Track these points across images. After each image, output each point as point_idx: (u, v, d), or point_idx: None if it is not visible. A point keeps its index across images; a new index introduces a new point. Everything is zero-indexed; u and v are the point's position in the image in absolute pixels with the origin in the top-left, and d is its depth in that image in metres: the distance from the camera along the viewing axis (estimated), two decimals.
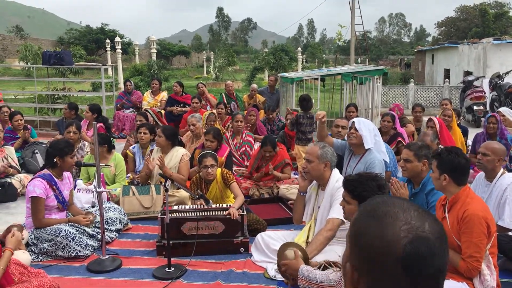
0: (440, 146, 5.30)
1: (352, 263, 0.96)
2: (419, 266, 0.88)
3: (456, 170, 3.02)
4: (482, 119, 10.10)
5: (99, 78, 12.70)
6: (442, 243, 0.92)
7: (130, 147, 6.02)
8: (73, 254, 3.87)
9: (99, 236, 4.03)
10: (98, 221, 4.09)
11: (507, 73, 12.72)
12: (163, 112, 9.46)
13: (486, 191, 3.89)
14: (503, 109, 6.96)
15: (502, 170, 3.88)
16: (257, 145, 6.58)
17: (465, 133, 7.01)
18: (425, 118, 6.87)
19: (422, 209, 0.96)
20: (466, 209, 2.91)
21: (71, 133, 5.87)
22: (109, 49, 27.42)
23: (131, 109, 10.03)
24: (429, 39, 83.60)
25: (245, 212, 4.12)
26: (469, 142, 6.95)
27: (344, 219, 3.17)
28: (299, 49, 30.30)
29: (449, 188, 3.04)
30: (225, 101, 9.50)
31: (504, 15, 52.12)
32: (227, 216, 3.99)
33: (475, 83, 12.63)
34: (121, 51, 20.16)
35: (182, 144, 5.69)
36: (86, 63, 18.27)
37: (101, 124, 7.38)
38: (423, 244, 0.89)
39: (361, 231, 0.95)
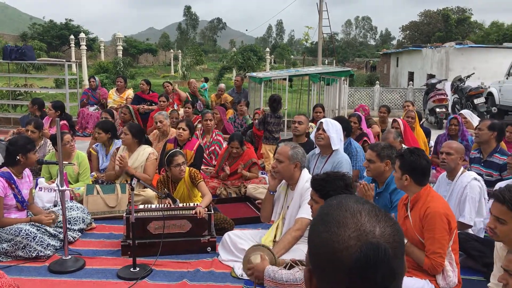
0: (403, 146, 5.42)
1: (307, 266, 0.97)
2: (368, 273, 0.85)
3: (417, 170, 3.10)
4: (444, 121, 10.41)
5: (62, 75, 12.39)
6: (395, 246, 0.88)
7: (93, 145, 5.90)
8: (34, 255, 3.75)
9: (61, 236, 3.92)
10: (60, 221, 3.97)
11: (468, 76, 13.14)
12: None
13: (448, 190, 4.01)
14: (465, 112, 7.19)
15: (462, 169, 4.01)
16: (226, 144, 6.57)
17: (427, 134, 7.19)
18: (390, 120, 7.02)
19: (376, 212, 0.92)
20: (428, 206, 2.99)
21: (29, 131, 5.67)
22: (74, 45, 26.76)
23: (96, 107, 9.82)
24: (394, 42, 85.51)
25: (212, 211, 4.09)
26: (432, 143, 7.14)
27: (312, 219, 3.19)
28: (268, 49, 30.43)
29: (410, 188, 3.12)
30: (190, 100, 9.45)
31: (466, 20, 53.96)
32: (194, 215, 3.96)
33: (438, 86, 12.99)
34: (85, 48, 19.71)
35: (149, 143, 5.61)
36: (49, 59, 17.76)
37: (65, 122, 7.19)
38: (373, 252, 0.85)
39: (312, 238, 0.93)
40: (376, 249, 0.86)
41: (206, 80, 13.89)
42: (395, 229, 0.91)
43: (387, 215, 0.93)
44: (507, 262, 2.05)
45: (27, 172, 4.10)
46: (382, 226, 0.89)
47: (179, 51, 38.22)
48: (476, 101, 11.67)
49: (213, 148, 6.64)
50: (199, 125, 7.53)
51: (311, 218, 3.19)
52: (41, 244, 3.79)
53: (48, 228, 3.93)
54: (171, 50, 42.38)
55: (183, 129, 5.47)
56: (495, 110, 12.11)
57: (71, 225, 4.20)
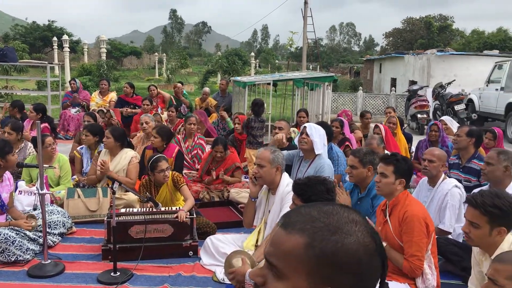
0: (385, 151, 5.49)
1: (328, 285, 0.86)
2: (384, 254, 0.93)
3: (410, 176, 3.19)
4: (426, 126, 10.55)
5: (44, 77, 12.24)
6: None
7: (78, 148, 5.83)
8: (13, 259, 3.69)
9: (40, 240, 3.87)
10: (40, 225, 3.92)
11: (449, 83, 13.37)
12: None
13: (429, 196, 4.06)
14: (445, 118, 7.31)
15: (443, 175, 4.07)
16: (208, 148, 6.55)
17: (409, 140, 7.29)
18: (372, 125, 7.10)
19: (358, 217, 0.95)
20: (406, 210, 3.04)
21: (6, 133, 5.59)
22: (56, 47, 26.45)
23: (77, 109, 9.71)
24: (378, 48, 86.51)
25: (194, 215, 4.09)
26: (413, 148, 7.24)
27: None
28: (253, 54, 30.50)
29: (397, 192, 3.16)
30: (175, 103, 9.42)
31: (448, 28, 54.86)
32: (176, 219, 3.95)
33: (419, 92, 13.19)
34: (68, 50, 19.50)
35: (131, 146, 5.57)
36: (31, 60, 17.53)
37: (46, 125, 7.11)
38: (378, 234, 0.92)
39: (334, 250, 0.86)
40: (375, 230, 0.92)
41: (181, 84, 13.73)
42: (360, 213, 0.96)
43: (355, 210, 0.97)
44: (493, 271, 2.07)
45: (7, 175, 4.04)
46: (356, 214, 0.94)
47: (164, 54, 38.06)
48: (456, 107, 11.87)
49: (195, 152, 6.62)
50: (182, 129, 7.51)
51: None
52: (20, 249, 3.74)
53: (27, 232, 3.88)
54: (156, 53, 42.16)
55: (154, 137, 5.41)
56: (475, 116, 12.33)
57: (51, 229, 4.14)
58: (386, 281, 0.95)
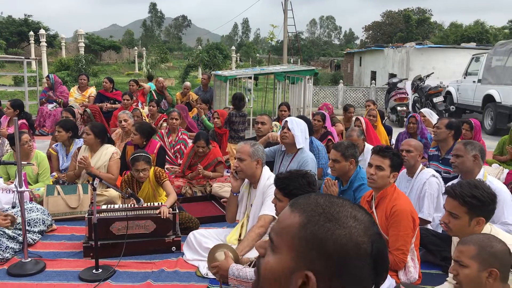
0: (366, 143, 5.55)
1: (308, 271, 0.88)
2: (383, 259, 0.91)
3: (400, 169, 3.27)
4: (405, 119, 10.68)
5: (21, 72, 12.00)
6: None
7: (53, 145, 5.74)
8: None
9: (20, 238, 3.80)
10: (19, 223, 3.86)
11: (428, 76, 13.53)
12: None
13: (408, 186, 4.13)
14: (424, 110, 7.40)
15: (421, 166, 4.14)
16: (191, 143, 6.52)
17: (389, 132, 7.38)
18: (353, 118, 7.16)
19: (352, 204, 0.97)
20: (394, 204, 3.08)
21: None
22: (33, 41, 25.95)
23: (54, 104, 9.55)
24: (358, 42, 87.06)
25: (177, 211, 4.07)
26: (393, 141, 7.32)
27: (275, 216, 3.23)
28: (233, 47, 30.39)
29: (388, 185, 3.21)
30: (156, 98, 9.34)
31: (426, 21, 55.49)
32: (158, 215, 3.93)
33: (399, 85, 13.32)
34: (45, 44, 19.15)
35: (111, 142, 5.51)
36: (7, 55, 17.16)
37: (24, 121, 6.97)
38: (379, 237, 0.91)
39: (323, 236, 0.88)
40: (379, 233, 0.92)
41: (150, 79, 13.55)
42: (371, 217, 0.96)
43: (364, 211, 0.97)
44: (458, 253, 2.15)
45: None
46: (363, 214, 0.94)
47: (144, 48, 37.65)
48: (435, 100, 12.03)
49: (178, 147, 6.58)
50: (164, 124, 7.45)
51: (274, 215, 3.22)
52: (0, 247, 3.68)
53: (6, 231, 3.81)
54: (135, 48, 41.68)
55: (134, 134, 5.36)
56: (453, 108, 12.52)
57: (31, 227, 4.08)
58: None
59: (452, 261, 2.19)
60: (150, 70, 24.48)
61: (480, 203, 2.51)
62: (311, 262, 0.88)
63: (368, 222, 0.92)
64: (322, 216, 0.90)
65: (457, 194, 2.56)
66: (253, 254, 3.12)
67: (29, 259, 3.59)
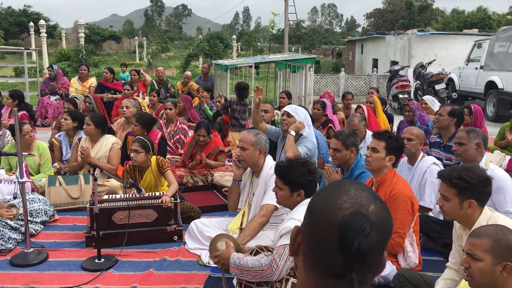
0: (367, 130, 5.54)
1: (301, 227, 1.02)
2: (351, 238, 0.91)
3: (399, 154, 3.25)
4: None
5: (22, 63, 11.98)
6: (382, 228, 0.94)
7: (56, 135, 5.74)
8: None
9: (22, 229, 3.82)
10: (21, 213, 3.87)
11: (430, 63, 13.45)
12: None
13: (409, 174, 4.12)
14: (426, 98, 7.35)
15: (422, 153, 4.13)
16: (191, 133, 6.51)
17: (390, 120, 7.35)
18: (354, 106, 7.13)
19: (374, 194, 0.99)
20: (393, 188, 3.10)
21: None
22: (33, 32, 25.84)
23: (57, 97, 9.55)
24: (359, 29, 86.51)
25: (178, 200, 4.08)
26: (395, 128, 7.30)
27: (277, 205, 3.23)
28: (234, 36, 30.23)
29: (386, 169, 3.21)
30: (157, 88, 9.32)
31: (428, 7, 55.04)
32: (160, 204, 3.93)
33: (401, 72, 13.25)
34: (46, 35, 19.08)
35: (112, 132, 5.51)
36: (7, 46, 17.12)
37: (24, 112, 6.98)
38: (360, 220, 0.92)
39: (315, 199, 1.01)
40: (363, 219, 0.93)
41: (126, 65, 13.48)
42: (387, 215, 0.98)
43: (382, 201, 1.00)
44: (470, 246, 2.10)
45: None
46: (377, 206, 0.97)
47: (144, 38, 37.48)
48: (437, 87, 11.96)
49: (178, 137, 6.58)
50: (165, 114, 7.44)
51: (276, 205, 3.22)
52: (2, 238, 3.70)
53: (9, 221, 3.83)
54: (136, 38, 41.50)
55: (134, 125, 5.36)
56: (455, 95, 12.46)
57: (33, 218, 4.10)
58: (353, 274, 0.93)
59: (464, 253, 2.16)
60: (151, 60, 24.42)
61: (468, 184, 2.51)
62: (304, 222, 1.02)
63: (359, 200, 0.96)
64: (327, 187, 1.02)
65: (445, 176, 2.60)
66: (254, 243, 3.12)
67: (32, 249, 3.61)
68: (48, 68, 10.33)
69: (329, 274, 0.95)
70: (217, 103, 7.46)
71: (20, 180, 3.54)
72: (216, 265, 2.97)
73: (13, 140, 5.23)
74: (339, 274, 0.93)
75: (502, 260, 1.99)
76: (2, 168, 4.91)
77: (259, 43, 51.43)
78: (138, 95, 8.90)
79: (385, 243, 0.97)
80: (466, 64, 13.19)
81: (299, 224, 1.04)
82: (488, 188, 2.55)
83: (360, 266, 0.93)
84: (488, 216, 2.53)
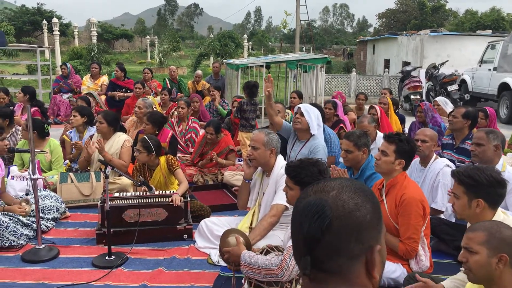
0: (377, 131, 5.50)
1: None
2: (302, 222, 0.98)
3: (411, 157, 3.21)
4: None
5: (35, 61, 12.09)
6: (347, 221, 0.96)
7: (67, 132, 5.80)
8: (7, 244, 3.68)
9: (34, 225, 3.86)
10: (33, 210, 3.90)
11: (442, 64, 13.32)
12: (103, 97, 9.17)
13: (421, 176, 4.08)
14: (439, 99, 7.29)
15: (434, 155, 4.09)
16: (202, 132, 6.51)
17: (402, 121, 7.31)
18: (366, 107, 7.09)
19: (356, 185, 1.01)
20: (404, 192, 3.05)
21: None
22: (46, 30, 26.07)
23: (70, 95, 9.62)
24: (371, 30, 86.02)
25: (188, 199, 4.08)
26: (406, 130, 7.25)
27: (288, 205, 3.22)
28: (245, 36, 30.23)
29: (396, 172, 3.17)
30: (169, 87, 9.35)
31: (441, 8, 54.55)
32: (170, 203, 3.94)
33: (413, 73, 13.15)
34: (58, 33, 19.23)
35: (123, 130, 5.54)
36: (21, 44, 17.28)
37: (36, 108, 7.04)
38: (315, 202, 0.98)
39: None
40: (316, 203, 0.97)
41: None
42: (370, 209, 0.98)
43: (366, 194, 1.00)
44: (466, 240, 2.14)
45: None
46: (340, 193, 0.98)
47: (156, 37, 37.62)
48: (449, 88, 11.85)
49: (189, 135, 6.59)
50: (176, 113, 7.46)
51: (287, 204, 3.21)
52: (14, 234, 3.73)
53: (21, 218, 3.86)
54: (147, 36, 41.68)
55: (146, 124, 5.39)
56: (468, 97, 12.33)
57: (45, 214, 4.13)
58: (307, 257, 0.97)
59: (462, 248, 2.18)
60: (162, 59, 24.51)
61: (475, 182, 2.50)
62: None
63: (320, 188, 1.01)
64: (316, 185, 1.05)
65: (454, 172, 2.62)
66: (264, 242, 3.12)
67: (43, 245, 3.64)
68: (61, 65, 10.42)
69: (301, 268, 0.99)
70: (234, 104, 7.46)
71: (32, 176, 3.57)
72: (225, 264, 2.97)
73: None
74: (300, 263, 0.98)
75: (497, 252, 2.03)
76: (15, 165, 4.96)
77: (270, 43, 51.38)
78: (149, 94, 8.94)
79: (349, 227, 0.95)
80: (479, 65, 13.05)
81: None
82: (499, 189, 2.52)
83: (317, 250, 0.95)
84: (500, 219, 2.50)
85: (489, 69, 12.27)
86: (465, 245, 2.14)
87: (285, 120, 6.25)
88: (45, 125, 5.17)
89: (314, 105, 5.34)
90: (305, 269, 0.96)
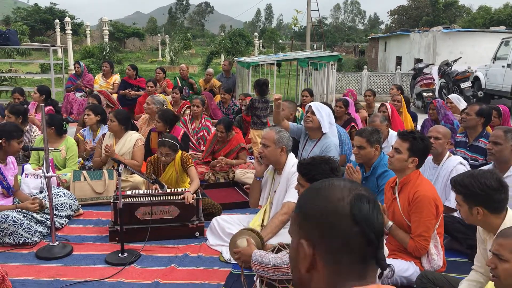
0: (390, 130, 5.46)
1: (303, 239, 0.99)
2: (366, 219, 0.96)
3: (424, 155, 3.18)
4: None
5: (47, 60, 12.21)
6: (377, 205, 1.00)
7: (81, 130, 5.86)
8: (21, 241, 3.73)
9: (48, 223, 3.90)
10: (47, 207, 3.95)
11: (455, 61, 13.19)
12: (115, 95, 9.22)
13: (434, 174, 4.05)
14: (452, 96, 7.22)
15: (448, 153, 4.05)
16: (214, 130, 6.53)
17: (414, 119, 7.25)
18: (377, 104, 7.05)
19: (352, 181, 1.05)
20: (417, 190, 3.04)
21: (5, 117, 5.58)
22: (59, 29, 26.30)
23: (83, 93, 9.71)
24: (382, 26, 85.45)
25: (200, 197, 4.10)
26: (418, 127, 7.19)
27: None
28: (256, 34, 30.20)
29: (409, 170, 3.15)
30: (180, 85, 9.37)
31: (454, 4, 53.90)
32: (182, 201, 3.96)
33: (425, 70, 13.02)
34: (71, 32, 19.40)
35: (135, 128, 5.58)
36: (34, 43, 17.48)
37: (51, 107, 7.11)
38: (365, 199, 0.98)
39: (307, 202, 1.02)
40: (367, 198, 0.99)
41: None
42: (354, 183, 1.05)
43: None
44: (497, 246, 2.07)
45: (10, 158, 4.06)
46: (364, 188, 1.03)
47: (167, 35, 37.76)
48: (462, 85, 11.73)
49: (201, 133, 6.62)
50: (188, 111, 7.49)
51: None
52: (28, 231, 3.78)
53: (35, 215, 3.91)
54: (159, 35, 41.84)
55: (157, 121, 5.42)
56: (481, 94, 12.19)
57: (58, 212, 4.18)
58: (387, 261, 0.98)
59: (491, 254, 2.12)
60: (173, 57, 24.58)
61: (469, 191, 2.47)
62: (301, 228, 1.01)
63: (349, 186, 1.01)
64: (311, 190, 1.04)
65: (451, 182, 2.61)
66: (276, 240, 3.12)
67: (57, 242, 3.68)
68: (75, 64, 10.51)
69: (356, 267, 0.96)
70: (241, 105, 7.47)
71: (46, 174, 3.61)
72: (236, 262, 2.98)
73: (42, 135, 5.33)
74: (366, 259, 0.96)
75: None
76: (29, 163, 5.02)
77: (281, 41, 51.26)
78: (161, 92, 8.97)
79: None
80: (493, 62, 12.90)
81: None
82: (497, 196, 2.45)
83: (381, 241, 0.98)
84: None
85: (503, 66, 12.12)
86: (495, 251, 2.07)
87: (296, 117, 6.24)
88: (64, 122, 5.23)
89: (324, 104, 5.32)
90: (384, 260, 0.99)
